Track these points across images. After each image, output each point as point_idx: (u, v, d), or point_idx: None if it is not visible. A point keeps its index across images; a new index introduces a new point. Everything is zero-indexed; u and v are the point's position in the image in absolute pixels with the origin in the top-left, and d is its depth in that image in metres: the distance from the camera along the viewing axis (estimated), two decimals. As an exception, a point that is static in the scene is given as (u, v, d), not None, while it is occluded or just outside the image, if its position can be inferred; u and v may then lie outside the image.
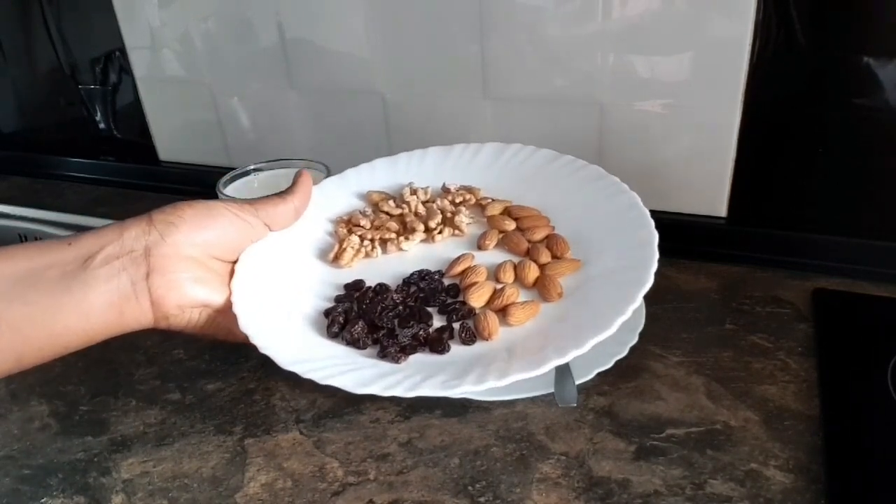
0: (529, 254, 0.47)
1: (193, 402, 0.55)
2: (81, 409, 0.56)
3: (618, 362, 0.50)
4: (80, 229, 0.86)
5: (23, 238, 0.93)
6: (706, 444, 0.47)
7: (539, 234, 0.49)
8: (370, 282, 0.47)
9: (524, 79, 0.70)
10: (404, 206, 0.52)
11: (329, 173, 0.61)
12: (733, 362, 0.54)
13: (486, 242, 0.49)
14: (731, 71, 0.62)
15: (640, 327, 0.52)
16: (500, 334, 0.42)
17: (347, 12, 0.74)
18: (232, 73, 0.84)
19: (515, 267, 0.46)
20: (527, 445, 0.48)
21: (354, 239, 0.50)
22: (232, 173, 0.64)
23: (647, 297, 0.41)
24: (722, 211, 0.68)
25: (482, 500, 0.45)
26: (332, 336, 0.43)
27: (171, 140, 0.94)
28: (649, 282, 0.40)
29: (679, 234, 0.66)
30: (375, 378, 0.38)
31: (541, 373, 0.37)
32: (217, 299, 0.43)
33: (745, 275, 0.65)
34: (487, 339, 0.42)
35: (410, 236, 0.50)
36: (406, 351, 0.41)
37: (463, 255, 0.48)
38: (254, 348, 0.40)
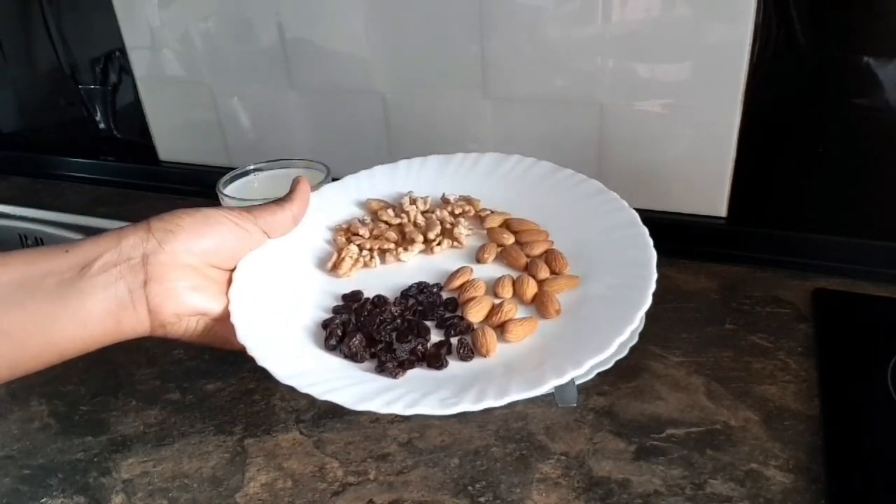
0: (528, 269, 0.47)
1: (193, 402, 0.55)
2: (81, 409, 0.56)
3: (618, 362, 0.49)
4: (80, 229, 0.87)
5: (23, 238, 0.93)
6: (706, 444, 0.47)
7: (538, 249, 0.48)
8: (368, 292, 0.46)
9: (524, 79, 0.70)
10: (403, 215, 0.52)
11: (329, 173, 0.61)
12: (733, 362, 0.54)
13: (485, 256, 0.49)
14: (731, 71, 0.62)
15: (640, 328, 0.52)
16: (498, 350, 0.42)
17: (347, 12, 0.74)
18: (232, 73, 0.84)
19: (514, 282, 0.46)
20: (527, 445, 0.48)
21: (353, 248, 0.49)
22: (232, 173, 0.64)
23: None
24: (722, 211, 0.68)
25: (482, 500, 0.45)
26: (330, 349, 0.43)
27: (171, 140, 0.94)
28: (647, 302, 0.40)
29: (679, 234, 0.66)
30: (374, 394, 0.38)
31: (539, 393, 0.37)
32: (215, 308, 0.42)
33: (745, 275, 0.65)
34: (485, 357, 0.42)
35: (409, 247, 0.50)
36: (404, 366, 0.41)
37: (461, 268, 0.48)
38: (251, 358, 0.40)
